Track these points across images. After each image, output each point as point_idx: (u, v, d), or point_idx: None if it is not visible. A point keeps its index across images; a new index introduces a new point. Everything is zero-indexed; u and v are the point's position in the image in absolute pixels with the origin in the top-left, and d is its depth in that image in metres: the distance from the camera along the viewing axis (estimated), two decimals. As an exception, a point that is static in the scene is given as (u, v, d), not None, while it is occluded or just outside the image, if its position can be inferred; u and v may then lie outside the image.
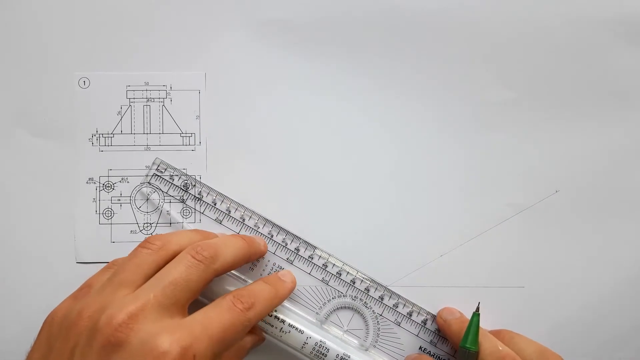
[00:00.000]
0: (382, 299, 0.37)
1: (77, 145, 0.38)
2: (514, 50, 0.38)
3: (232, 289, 0.33)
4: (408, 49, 0.38)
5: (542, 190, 0.38)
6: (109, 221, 0.37)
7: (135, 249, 0.32)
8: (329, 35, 0.38)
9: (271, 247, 0.37)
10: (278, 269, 0.37)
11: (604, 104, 0.38)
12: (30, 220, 0.37)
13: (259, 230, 0.37)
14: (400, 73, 0.38)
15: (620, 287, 0.38)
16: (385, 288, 0.37)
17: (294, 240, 0.37)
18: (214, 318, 0.29)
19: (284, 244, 0.37)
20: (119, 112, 0.38)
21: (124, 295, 0.29)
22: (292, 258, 0.37)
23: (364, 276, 0.37)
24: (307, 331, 0.35)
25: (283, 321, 0.35)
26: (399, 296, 0.37)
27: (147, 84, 0.38)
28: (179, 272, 0.30)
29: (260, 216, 0.37)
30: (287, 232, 0.37)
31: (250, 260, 0.35)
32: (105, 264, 0.34)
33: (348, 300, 0.37)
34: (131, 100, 0.38)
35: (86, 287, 0.32)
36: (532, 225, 0.38)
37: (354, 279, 0.37)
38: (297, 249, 0.37)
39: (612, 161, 0.38)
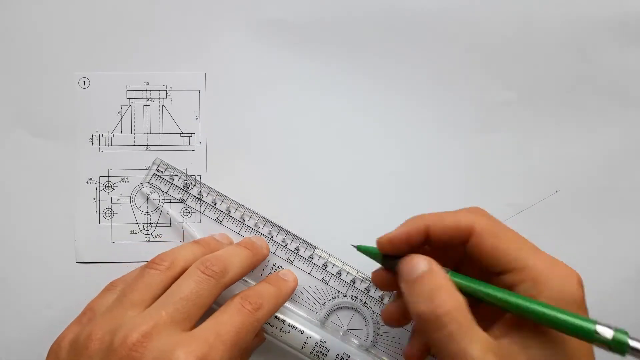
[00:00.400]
0: (382, 299, 0.37)
1: (77, 145, 0.38)
2: (514, 50, 0.38)
3: (235, 291, 0.33)
4: (408, 49, 0.38)
5: (542, 190, 0.38)
6: (109, 221, 0.37)
7: (142, 270, 0.32)
8: (329, 35, 0.38)
9: (271, 247, 0.37)
10: (278, 269, 0.37)
11: (604, 104, 0.38)
12: (30, 220, 0.37)
13: (259, 230, 0.37)
14: (401, 73, 0.38)
15: (620, 287, 0.38)
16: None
17: (294, 240, 0.37)
18: (226, 323, 0.29)
19: (284, 244, 0.37)
20: (119, 112, 0.38)
21: (134, 315, 0.29)
22: (292, 258, 0.37)
23: (364, 276, 0.37)
24: (307, 331, 0.35)
25: (283, 321, 0.35)
26: None
27: (147, 84, 0.38)
28: (189, 288, 0.30)
29: (260, 216, 0.37)
30: (287, 232, 0.37)
31: (255, 267, 0.35)
32: (105, 287, 0.33)
33: (348, 300, 0.37)
34: (131, 100, 0.38)
35: (89, 311, 0.32)
36: (532, 225, 0.38)
37: (354, 279, 0.37)
38: (297, 249, 0.37)
39: (612, 161, 0.38)
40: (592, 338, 0.22)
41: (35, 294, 0.37)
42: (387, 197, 0.38)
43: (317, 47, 0.38)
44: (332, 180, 0.38)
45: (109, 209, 0.38)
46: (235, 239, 0.37)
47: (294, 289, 0.36)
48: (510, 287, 0.27)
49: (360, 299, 0.37)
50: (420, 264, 0.28)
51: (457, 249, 0.30)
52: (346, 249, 0.37)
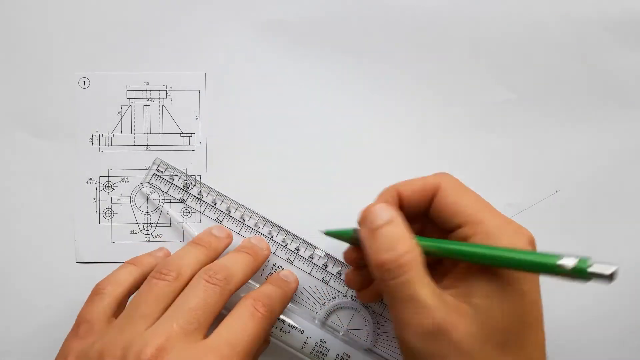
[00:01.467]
0: (382, 299, 0.37)
1: (77, 145, 0.38)
2: (514, 51, 0.38)
3: (242, 294, 0.33)
4: (408, 49, 0.38)
5: (542, 190, 0.38)
6: (109, 221, 0.37)
7: (150, 281, 0.31)
8: (329, 35, 0.38)
9: (271, 247, 0.37)
10: (278, 269, 0.37)
11: (604, 104, 0.38)
12: (30, 220, 0.37)
13: (259, 230, 0.37)
14: (401, 73, 0.38)
15: (619, 287, 0.38)
16: None
17: (294, 240, 0.37)
18: (239, 331, 0.29)
19: (284, 244, 0.37)
20: (119, 112, 0.38)
21: (145, 330, 0.28)
22: (292, 258, 0.37)
23: None
24: (307, 331, 0.35)
25: (283, 321, 0.35)
26: None
27: (147, 84, 0.38)
28: (197, 298, 0.30)
29: (260, 216, 0.37)
30: (287, 232, 0.37)
31: (258, 269, 0.35)
32: (92, 291, 0.32)
33: (348, 300, 0.37)
34: (131, 100, 0.38)
35: (85, 323, 0.31)
36: (532, 225, 0.38)
37: None
38: (297, 249, 0.37)
39: (612, 161, 0.38)
40: (555, 269, 0.24)
41: (35, 294, 0.37)
42: (387, 197, 0.38)
43: (317, 47, 0.38)
44: (332, 180, 0.38)
45: (109, 209, 0.38)
46: (236, 239, 0.37)
47: (295, 290, 0.36)
48: (464, 240, 0.28)
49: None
50: (383, 213, 0.29)
51: (420, 217, 0.31)
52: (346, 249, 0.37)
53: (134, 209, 0.38)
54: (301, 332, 0.35)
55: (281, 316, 0.35)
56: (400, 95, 0.38)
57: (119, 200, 0.38)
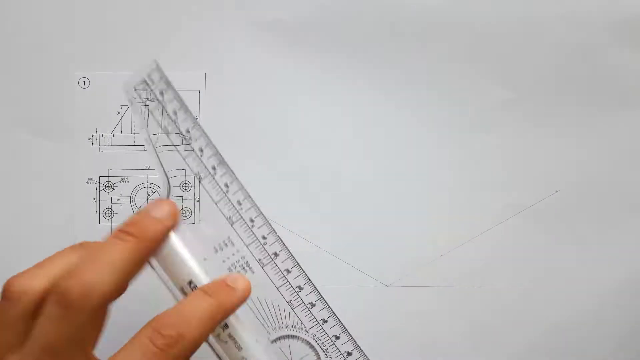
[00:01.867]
0: (348, 354, 0.29)
1: (77, 145, 0.38)
2: (514, 50, 0.38)
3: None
4: (408, 49, 0.38)
5: (542, 190, 0.38)
6: (109, 221, 0.37)
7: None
8: (329, 35, 0.38)
9: (248, 240, 0.29)
10: (245, 265, 0.28)
11: (604, 104, 0.38)
12: (30, 220, 0.37)
13: (240, 212, 0.29)
14: (400, 73, 0.38)
15: (620, 287, 0.38)
16: (358, 347, 0.29)
17: (276, 243, 0.29)
18: None
19: (262, 242, 0.29)
20: (119, 112, 0.38)
21: None
22: (265, 261, 0.28)
23: (339, 322, 0.29)
24: (247, 350, 0.27)
25: (223, 328, 0.27)
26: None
27: (147, 84, 0.38)
28: (55, 333, 0.22)
29: (247, 195, 0.29)
30: (272, 230, 0.29)
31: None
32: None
33: (309, 338, 0.29)
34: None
35: None
36: (532, 225, 0.38)
37: (327, 319, 0.29)
38: (276, 254, 0.29)
39: (612, 161, 0.38)
40: None
41: (35, 294, 0.37)
42: (387, 196, 0.38)
43: (317, 48, 0.38)
44: (331, 181, 0.38)
45: (109, 209, 0.38)
46: (213, 207, 0.29)
47: (242, 301, 0.26)
48: None
49: (323, 344, 0.29)
50: None
51: None
52: (345, 249, 0.37)
53: (134, 209, 0.38)
54: (239, 348, 0.27)
55: (224, 321, 0.27)
56: (400, 95, 0.38)
57: (119, 200, 0.38)
